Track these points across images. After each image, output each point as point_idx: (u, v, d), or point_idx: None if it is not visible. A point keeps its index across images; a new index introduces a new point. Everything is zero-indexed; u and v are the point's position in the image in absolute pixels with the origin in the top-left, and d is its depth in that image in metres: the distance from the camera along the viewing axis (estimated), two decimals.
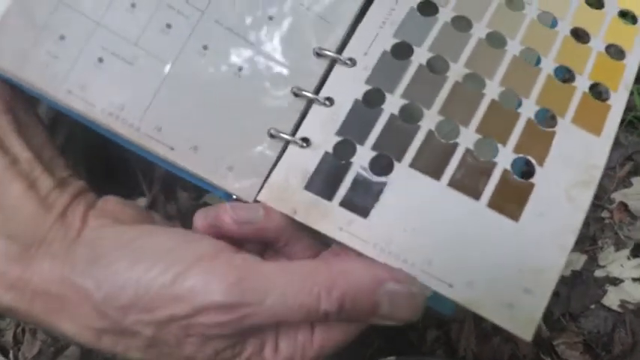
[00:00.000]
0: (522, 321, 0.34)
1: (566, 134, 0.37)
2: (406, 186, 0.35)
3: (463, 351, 0.56)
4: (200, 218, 0.37)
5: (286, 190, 0.37)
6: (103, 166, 0.54)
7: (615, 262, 0.59)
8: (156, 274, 0.32)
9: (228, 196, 0.39)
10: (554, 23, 0.41)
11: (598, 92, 0.39)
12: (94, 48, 0.37)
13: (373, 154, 0.36)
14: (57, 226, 0.34)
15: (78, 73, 0.36)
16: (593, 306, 0.58)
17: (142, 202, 0.59)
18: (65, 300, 0.33)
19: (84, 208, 0.36)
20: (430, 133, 0.36)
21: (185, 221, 0.38)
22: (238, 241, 0.37)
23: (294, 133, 0.38)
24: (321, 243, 0.38)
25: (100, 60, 0.37)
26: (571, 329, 0.57)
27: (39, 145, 0.37)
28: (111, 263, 0.32)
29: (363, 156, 0.36)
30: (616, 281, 0.59)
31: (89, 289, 0.32)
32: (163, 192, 0.59)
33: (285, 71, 0.39)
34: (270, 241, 0.37)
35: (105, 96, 0.37)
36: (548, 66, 0.39)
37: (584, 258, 0.60)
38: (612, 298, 0.58)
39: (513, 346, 0.56)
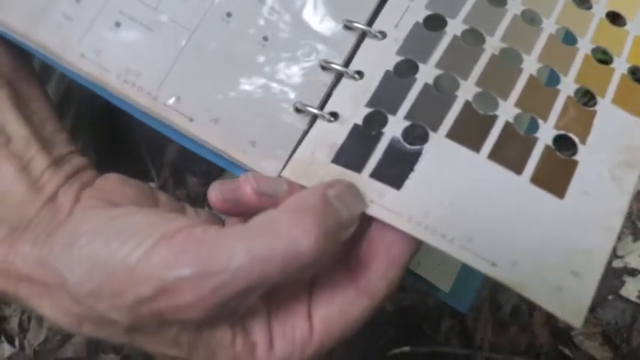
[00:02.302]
0: (571, 306, 0.28)
1: (607, 114, 0.32)
2: (443, 157, 0.30)
3: (479, 341, 0.51)
4: (215, 191, 0.31)
5: (312, 165, 0.32)
6: (112, 151, 0.50)
7: (633, 253, 0.55)
8: (123, 256, 0.27)
9: None
10: (589, 5, 0.36)
11: (636, 75, 0.35)
12: (112, 11, 0.32)
13: (406, 123, 0.31)
14: (45, 209, 0.30)
15: (93, 37, 0.32)
16: (610, 297, 0.54)
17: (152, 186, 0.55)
18: (46, 285, 0.29)
19: (77, 187, 0.31)
20: (467, 104, 0.31)
21: (194, 206, 0.33)
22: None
23: (321, 107, 0.34)
24: None
25: (117, 24, 0.32)
26: (589, 320, 0.52)
27: (40, 120, 0.33)
28: (84, 246, 0.28)
29: (395, 126, 0.31)
30: (634, 272, 0.54)
31: (63, 273, 0.28)
32: (172, 177, 0.54)
33: (312, 43, 0.34)
34: None
35: (121, 62, 0.32)
36: (585, 46, 0.34)
37: None
38: (630, 289, 0.54)
39: (530, 335, 0.51)
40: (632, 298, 0.54)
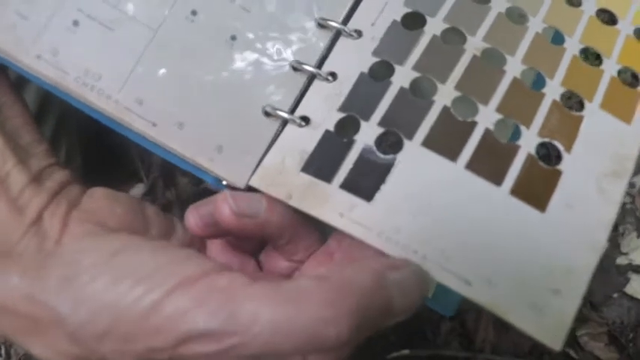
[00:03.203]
0: (551, 327, 0.26)
1: (595, 120, 0.30)
2: (417, 167, 0.28)
3: (480, 343, 0.49)
4: (193, 217, 0.29)
5: (281, 173, 0.30)
6: (99, 151, 0.48)
7: (638, 250, 0.52)
8: (135, 299, 0.24)
9: (217, 181, 0.31)
10: (578, 2, 0.33)
11: (627, 78, 0.32)
12: (69, 9, 0.29)
13: (380, 130, 0.29)
14: (30, 234, 0.27)
15: (49, 37, 0.29)
16: (615, 295, 0.51)
17: (140, 188, 0.53)
18: (36, 321, 0.26)
19: (64, 209, 0.28)
20: (445, 110, 0.29)
21: (184, 208, 0.30)
22: (236, 237, 0.30)
23: (292, 111, 0.31)
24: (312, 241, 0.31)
25: (75, 23, 0.30)
26: (594, 319, 0.49)
27: (15, 129, 0.30)
28: (87, 283, 0.25)
29: (368, 133, 0.29)
30: (639, 269, 0.52)
31: (63, 312, 0.25)
32: (162, 178, 0.52)
33: (284, 43, 0.31)
34: (272, 237, 0.30)
35: (79, 63, 0.30)
36: (573, 46, 0.31)
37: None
38: (635, 287, 0.51)
39: None
40: (638, 296, 0.51)
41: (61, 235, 0.27)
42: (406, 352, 0.49)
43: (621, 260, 0.52)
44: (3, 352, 0.51)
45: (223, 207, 0.28)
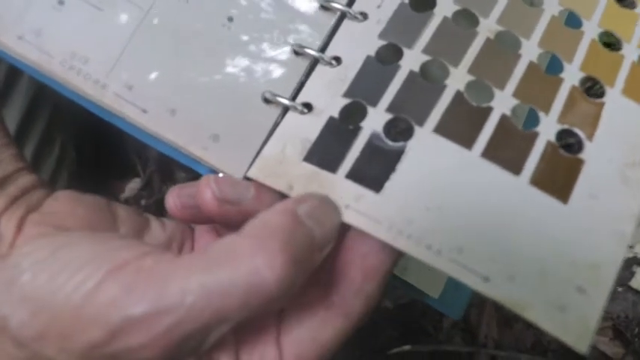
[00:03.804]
0: (576, 328, 0.23)
1: (617, 106, 0.27)
2: (430, 155, 0.25)
3: (483, 338, 0.47)
4: (172, 197, 0.27)
5: (282, 164, 0.27)
6: (95, 146, 0.45)
7: None
8: (69, 292, 0.22)
9: (213, 173, 0.29)
10: None
11: None
12: None
13: (388, 116, 0.26)
14: None
15: (33, 17, 0.27)
16: (620, 289, 0.49)
17: (137, 183, 0.50)
18: None
19: (22, 213, 0.26)
20: (458, 94, 0.26)
21: None
22: (220, 224, 0.27)
23: (294, 98, 0.28)
24: None
25: (61, 2, 0.27)
26: None
27: None
28: (26, 283, 0.23)
29: (376, 119, 0.26)
30: None
31: (5, 314, 0.23)
32: (159, 172, 0.50)
33: (284, 25, 0.29)
34: None
35: (65, 45, 0.27)
36: (591, 30, 0.29)
37: None
38: None
39: (537, 332, 0.46)
40: None
41: (15, 239, 0.25)
42: (408, 347, 0.47)
43: (626, 254, 0.50)
44: None
45: (205, 191, 0.26)
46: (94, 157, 0.47)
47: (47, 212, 0.27)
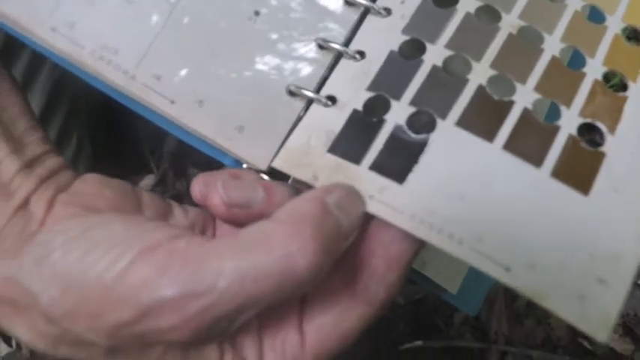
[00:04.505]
0: (596, 317, 0.23)
1: None
2: (452, 147, 0.25)
3: (494, 334, 0.47)
4: (198, 184, 0.26)
5: (307, 154, 0.27)
6: (110, 142, 0.46)
7: None
8: (101, 271, 0.22)
9: (236, 164, 0.29)
10: None
11: None
12: None
13: (412, 110, 0.26)
14: (16, 218, 0.25)
15: (66, 10, 0.27)
16: None
17: (151, 179, 0.51)
18: (15, 303, 0.24)
19: (52, 193, 0.26)
20: (481, 88, 0.26)
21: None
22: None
23: (318, 91, 0.28)
24: None
25: None
26: None
27: (10, 118, 0.28)
28: (57, 261, 0.23)
29: (399, 112, 0.26)
30: None
31: (35, 292, 0.23)
32: (173, 168, 0.50)
33: (309, 19, 0.29)
34: None
35: (96, 37, 0.27)
36: (614, 24, 0.28)
37: None
38: None
39: (547, 328, 0.46)
40: None
41: (45, 218, 0.25)
42: (419, 343, 0.47)
43: None
44: (14, 343, 0.49)
45: (213, 196, 0.26)
46: (109, 153, 0.47)
47: (76, 193, 0.27)
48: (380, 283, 0.25)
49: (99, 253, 0.23)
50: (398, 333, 0.48)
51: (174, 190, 0.52)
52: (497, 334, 0.48)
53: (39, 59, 0.42)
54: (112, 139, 0.47)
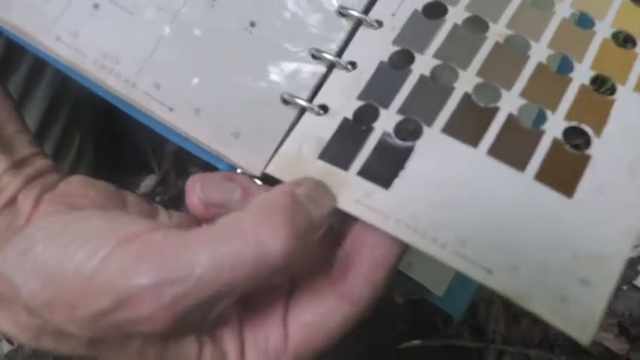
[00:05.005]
0: (579, 320, 0.23)
1: (628, 103, 0.27)
2: (437, 153, 0.25)
3: (491, 334, 0.47)
4: (190, 187, 0.27)
5: (298, 161, 0.27)
6: (112, 143, 0.47)
7: None
8: (78, 263, 0.23)
9: (231, 169, 0.30)
10: None
11: None
12: None
13: (399, 118, 0.26)
14: (3, 215, 0.26)
15: (70, 19, 0.27)
16: (625, 287, 0.48)
17: (153, 179, 0.51)
18: (1, 297, 0.24)
19: (38, 192, 0.27)
20: (466, 96, 0.26)
21: None
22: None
23: (311, 99, 0.29)
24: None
25: (96, 6, 0.28)
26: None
27: (1, 121, 0.29)
28: (39, 254, 0.23)
29: (387, 120, 0.26)
30: None
31: (17, 284, 0.23)
32: (174, 168, 0.51)
33: (303, 30, 0.29)
34: None
35: (99, 46, 0.27)
36: (604, 30, 0.28)
37: None
38: None
39: (544, 328, 0.46)
40: None
41: (32, 214, 0.26)
42: (417, 342, 0.47)
43: (631, 252, 0.50)
44: (17, 342, 0.49)
45: (191, 196, 0.26)
46: (112, 153, 0.48)
47: (61, 193, 0.27)
48: (366, 284, 0.25)
49: (78, 245, 0.23)
50: (396, 332, 0.49)
51: (176, 188, 0.53)
52: (494, 333, 0.48)
53: (41, 64, 0.43)
54: (114, 140, 0.48)
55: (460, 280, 0.34)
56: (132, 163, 0.50)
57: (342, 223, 0.26)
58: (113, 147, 0.48)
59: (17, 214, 0.26)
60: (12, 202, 0.26)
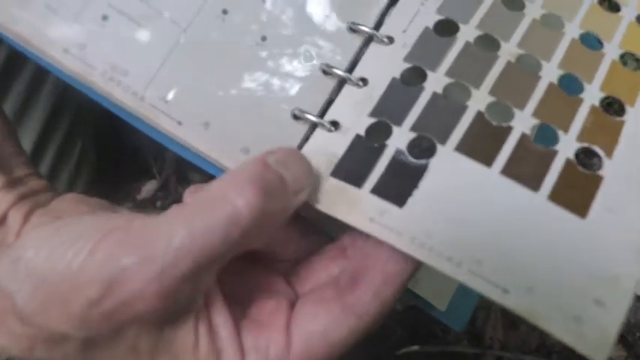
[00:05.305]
0: (594, 339, 0.22)
1: (637, 124, 0.27)
2: (451, 172, 0.25)
3: (489, 340, 0.46)
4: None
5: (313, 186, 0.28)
6: (114, 149, 0.46)
7: None
8: (67, 262, 0.23)
9: None
10: (616, 7, 0.31)
11: None
12: (99, 4, 0.27)
13: (412, 135, 0.26)
14: None
15: (78, 31, 0.27)
16: None
17: (153, 184, 0.51)
18: None
19: (29, 208, 0.27)
20: (479, 115, 0.26)
21: None
22: None
23: (322, 115, 0.28)
24: (309, 241, 0.29)
25: (105, 18, 0.27)
26: None
27: None
28: (30, 260, 0.24)
29: (400, 138, 0.26)
30: None
31: (11, 291, 0.23)
32: (175, 175, 0.50)
33: (314, 46, 0.29)
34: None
35: (107, 58, 0.27)
36: (612, 51, 0.28)
37: None
38: None
39: (541, 334, 0.46)
40: None
41: (21, 229, 0.26)
42: (416, 348, 0.47)
43: None
44: None
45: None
46: (113, 159, 0.48)
47: (53, 209, 0.27)
48: (374, 298, 0.25)
49: (67, 245, 0.23)
50: (395, 338, 0.48)
51: (177, 194, 0.52)
52: (492, 339, 0.48)
53: (43, 72, 0.43)
54: (115, 147, 0.48)
55: (461, 294, 0.34)
56: (133, 168, 0.49)
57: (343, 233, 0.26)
58: (114, 153, 0.48)
59: (7, 231, 0.26)
60: (3, 219, 0.26)
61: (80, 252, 0.23)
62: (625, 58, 0.29)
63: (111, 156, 0.46)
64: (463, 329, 0.29)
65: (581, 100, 0.27)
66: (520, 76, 0.27)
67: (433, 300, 0.34)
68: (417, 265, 0.25)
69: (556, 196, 0.25)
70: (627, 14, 0.30)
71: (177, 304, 0.23)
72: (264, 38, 0.28)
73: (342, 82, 0.29)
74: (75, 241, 0.23)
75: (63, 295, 0.23)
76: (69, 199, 0.28)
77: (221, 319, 0.25)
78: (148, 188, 0.55)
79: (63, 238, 0.24)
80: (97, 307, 0.23)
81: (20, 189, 0.27)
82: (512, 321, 0.48)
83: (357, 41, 0.29)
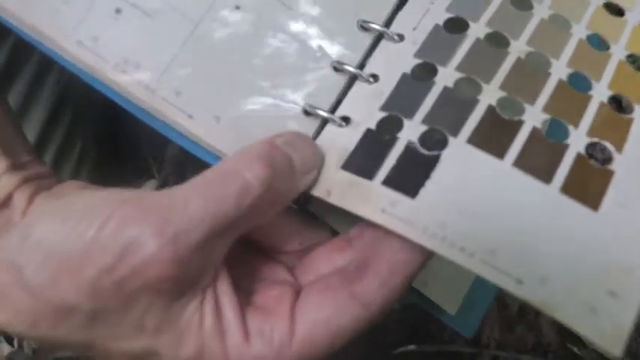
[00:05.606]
0: (608, 331, 0.22)
1: None
2: (463, 163, 0.25)
3: (486, 339, 0.46)
4: None
5: (320, 171, 0.28)
6: (114, 148, 0.46)
7: None
8: (80, 233, 0.23)
9: None
10: (620, 12, 0.32)
11: None
12: None
13: (424, 128, 0.26)
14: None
15: (91, 23, 0.27)
16: None
17: (153, 184, 0.51)
18: None
19: (33, 190, 0.27)
20: (490, 109, 0.26)
21: None
22: None
23: (332, 111, 0.28)
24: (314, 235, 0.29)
25: (118, 11, 0.27)
26: None
27: (3, 131, 0.29)
28: (40, 232, 0.24)
29: (411, 130, 0.26)
30: None
31: (21, 264, 0.23)
32: (174, 174, 0.50)
33: (325, 43, 0.29)
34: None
35: (119, 51, 0.27)
36: (618, 52, 0.28)
37: None
38: None
39: (538, 334, 0.45)
40: None
41: (26, 209, 0.26)
42: (412, 347, 0.47)
43: None
44: (15, 342, 0.48)
45: None
46: (113, 158, 0.48)
47: (56, 193, 0.27)
48: (381, 288, 0.24)
49: (78, 218, 0.23)
50: (392, 337, 0.48)
51: None
52: (489, 339, 0.47)
53: (44, 69, 0.43)
54: (115, 146, 0.47)
55: (472, 299, 0.34)
56: (132, 168, 0.49)
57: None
58: (114, 152, 0.48)
59: (13, 211, 0.26)
60: (8, 200, 0.26)
61: (92, 223, 0.23)
62: (632, 58, 0.29)
63: (111, 156, 0.46)
64: (472, 335, 0.28)
65: (590, 97, 0.27)
66: (530, 73, 0.27)
67: (443, 303, 0.34)
68: (425, 257, 0.25)
69: (568, 189, 0.24)
70: (632, 18, 0.30)
71: (188, 275, 0.23)
72: (275, 35, 0.28)
73: (352, 79, 0.29)
74: (87, 214, 0.23)
75: (74, 265, 0.23)
76: (72, 185, 0.28)
77: (227, 299, 0.25)
78: (148, 187, 0.55)
79: (74, 211, 0.24)
80: (109, 274, 0.22)
81: (24, 173, 0.28)
82: (508, 321, 0.47)
83: (367, 39, 0.29)
